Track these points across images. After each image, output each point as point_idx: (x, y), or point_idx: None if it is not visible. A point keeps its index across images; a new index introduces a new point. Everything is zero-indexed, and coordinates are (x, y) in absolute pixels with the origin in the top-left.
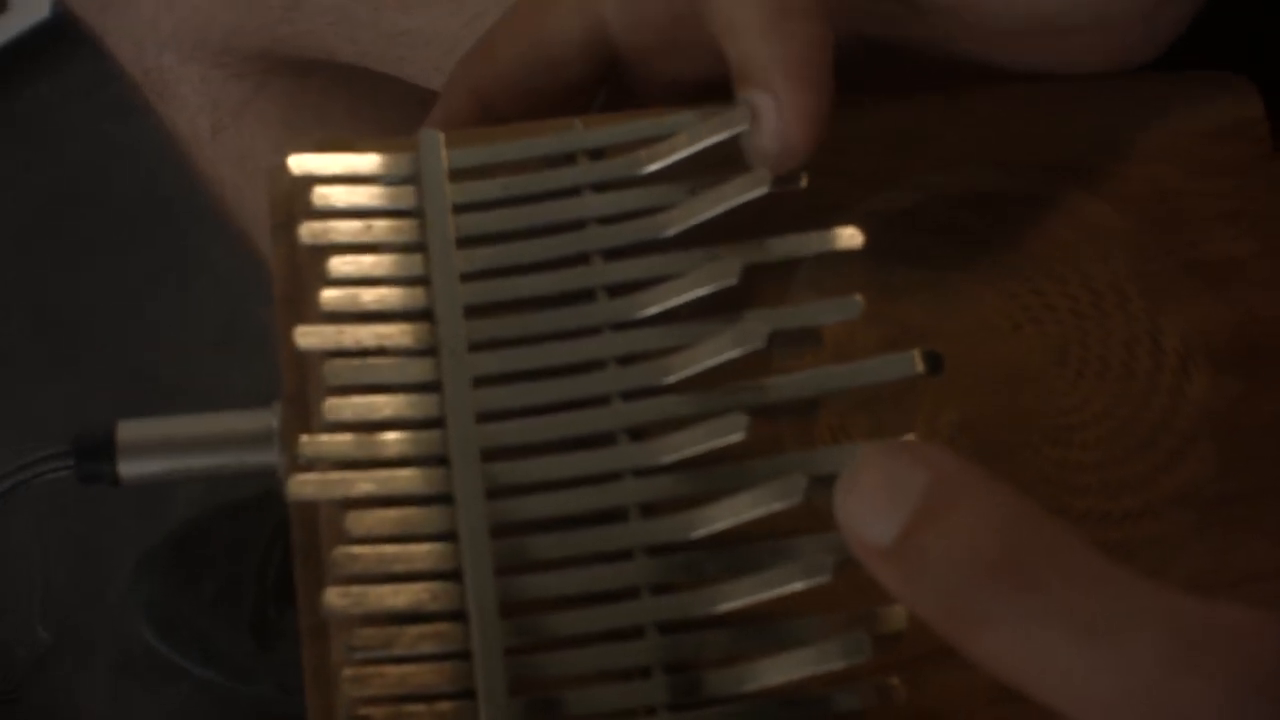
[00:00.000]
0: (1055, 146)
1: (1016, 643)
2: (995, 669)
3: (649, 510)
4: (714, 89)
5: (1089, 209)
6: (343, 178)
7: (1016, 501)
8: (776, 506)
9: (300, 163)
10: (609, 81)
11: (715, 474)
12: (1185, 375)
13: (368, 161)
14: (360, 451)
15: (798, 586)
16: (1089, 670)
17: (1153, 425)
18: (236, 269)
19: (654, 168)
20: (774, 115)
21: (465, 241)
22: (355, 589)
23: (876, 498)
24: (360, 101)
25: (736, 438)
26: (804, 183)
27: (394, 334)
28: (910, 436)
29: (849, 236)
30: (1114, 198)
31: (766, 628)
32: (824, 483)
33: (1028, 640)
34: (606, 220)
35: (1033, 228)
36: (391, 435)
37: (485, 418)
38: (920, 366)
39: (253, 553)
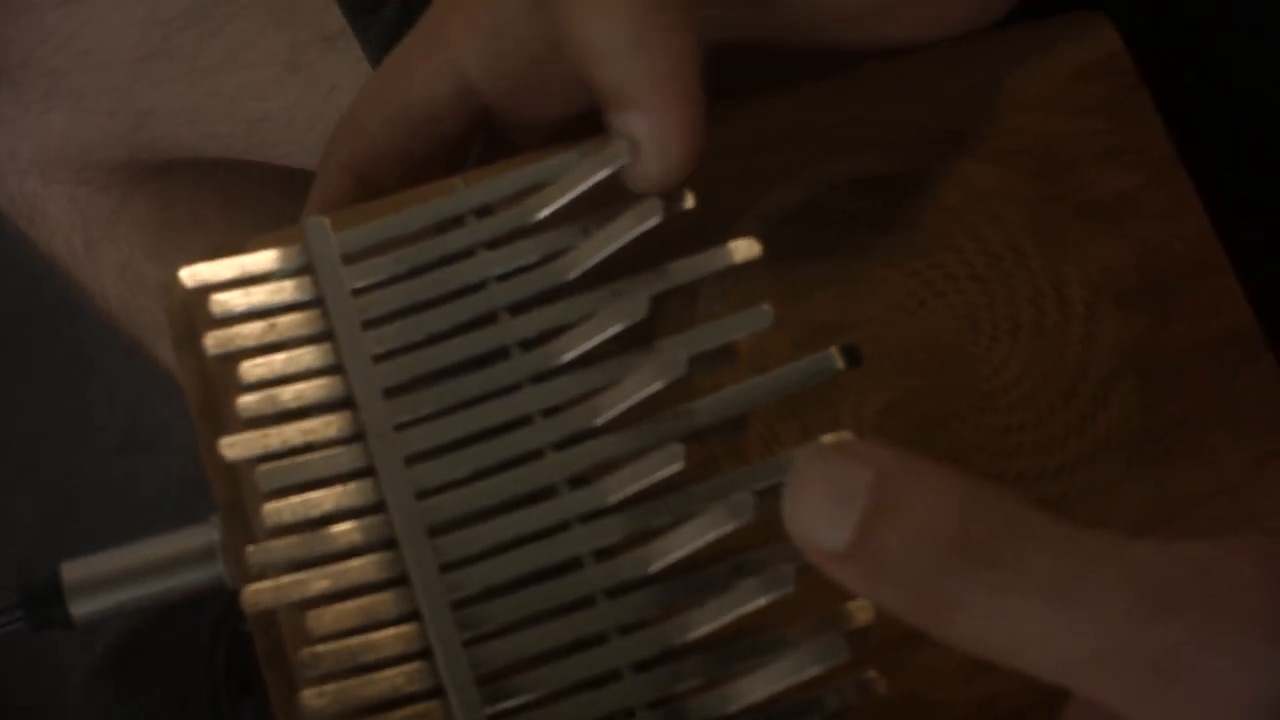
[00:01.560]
0: (929, 116)
1: (988, 620)
2: (971, 648)
3: (603, 554)
4: (587, 123)
5: (972, 172)
6: (237, 281)
7: (962, 482)
8: (728, 527)
9: (192, 274)
10: (482, 132)
11: (661, 506)
12: (1094, 319)
13: (259, 260)
14: (308, 550)
15: (762, 601)
16: (1064, 634)
17: (1072, 374)
18: (130, 371)
19: (543, 215)
20: (651, 133)
21: (371, 323)
22: (329, 687)
23: (823, 504)
24: (231, 192)
25: (675, 468)
26: (691, 203)
27: (318, 428)
28: (845, 433)
29: (747, 247)
30: (994, 156)
31: (740, 646)
32: (769, 495)
33: (999, 616)
34: (506, 276)
35: (921, 202)
36: (336, 528)
37: (424, 494)
38: (840, 363)
39: (196, 650)
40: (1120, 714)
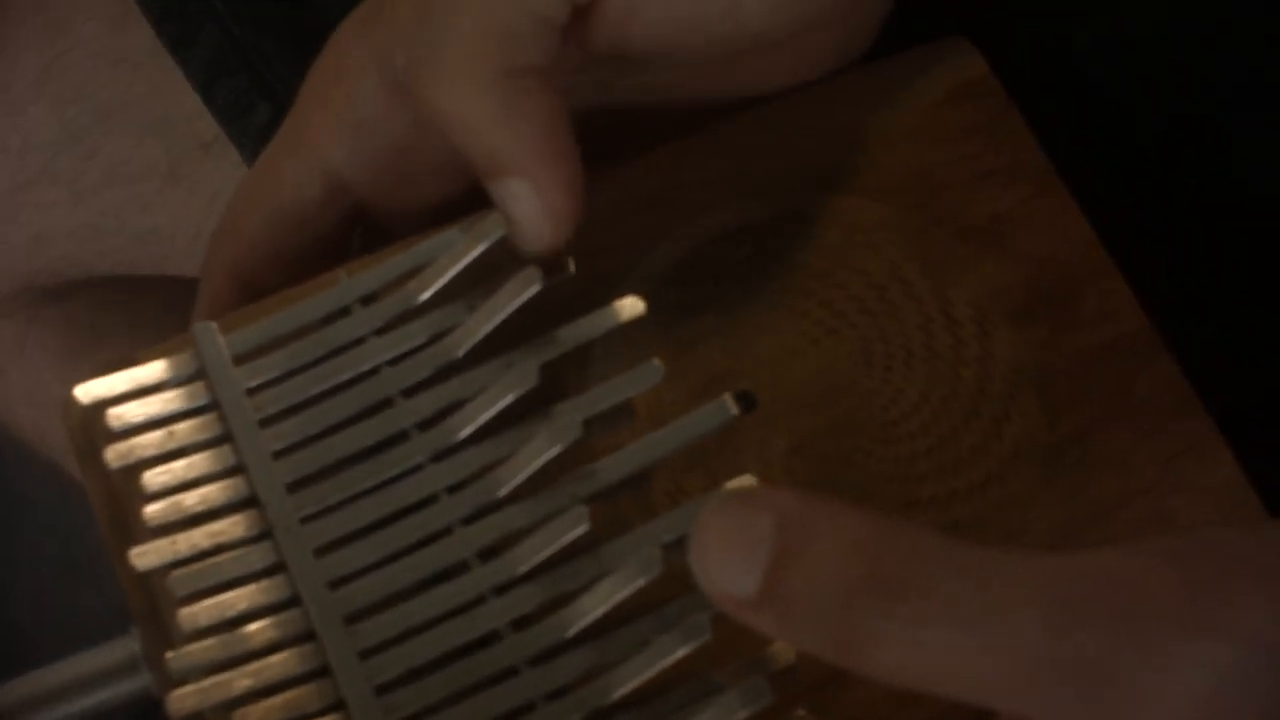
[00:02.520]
0: (801, 158)
1: (906, 652)
2: (894, 680)
3: (520, 623)
4: (460, 204)
5: (850, 207)
6: (132, 393)
7: (866, 517)
8: (640, 583)
9: (87, 390)
10: (360, 221)
11: (572, 569)
12: (986, 338)
13: (151, 371)
14: (228, 651)
15: (682, 652)
16: (982, 657)
17: (971, 395)
18: (59, 497)
19: (426, 296)
20: (532, 196)
21: (268, 420)
22: None
23: (729, 554)
24: (130, 307)
25: (581, 530)
26: (572, 268)
27: (226, 529)
28: (747, 477)
29: (631, 306)
30: (871, 189)
31: (665, 699)
32: (678, 546)
33: (917, 647)
34: (397, 360)
35: (802, 242)
36: (253, 626)
37: (337, 583)
38: (735, 409)
39: None
40: None
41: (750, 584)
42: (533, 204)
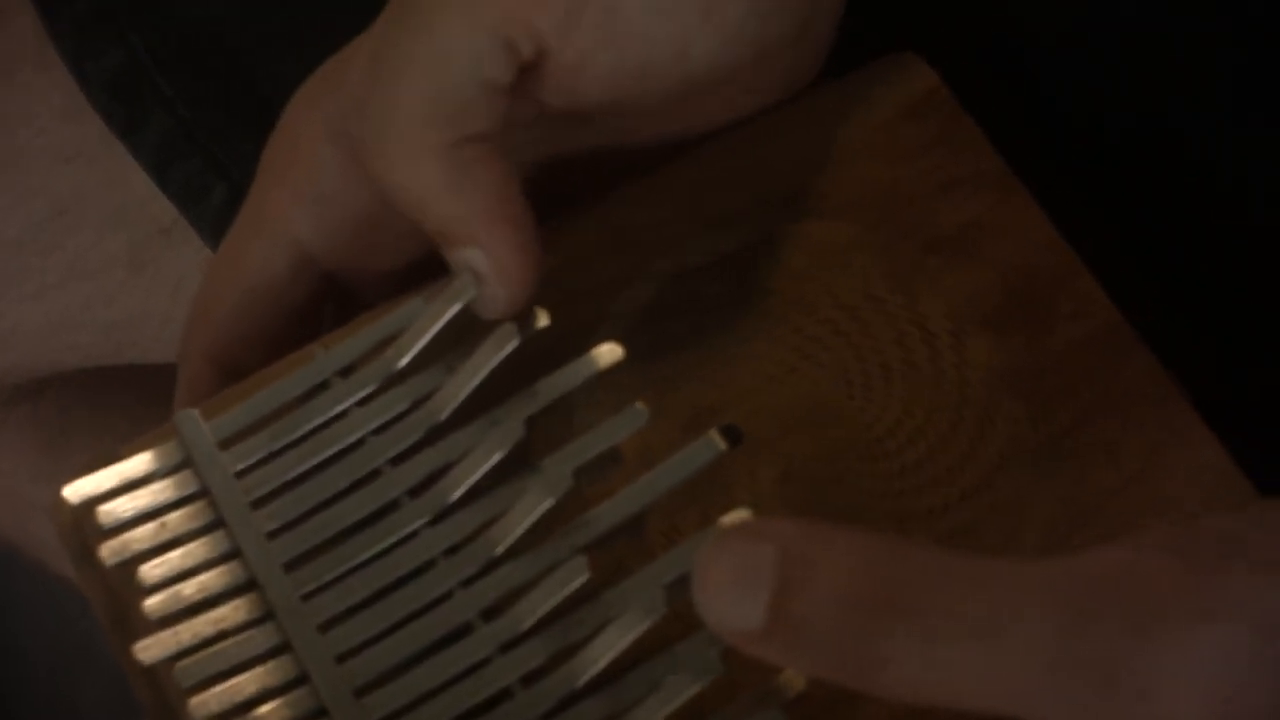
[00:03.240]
0: (762, 185)
1: (919, 670)
2: (908, 699)
3: (529, 679)
4: (431, 266)
5: (816, 230)
6: (120, 489)
7: (865, 540)
8: (645, 625)
9: (75, 490)
10: (330, 292)
11: (576, 619)
12: (963, 347)
13: (137, 464)
14: None
15: (695, 689)
16: (998, 667)
17: (954, 405)
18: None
19: (404, 362)
20: (487, 263)
21: (259, 502)
22: None
23: (732, 588)
24: (102, 401)
25: (582, 580)
26: (545, 321)
27: (227, 615)
28: (742, 510)
29: (609, 352)
30: (835, 210)
31: None
32: (679, 585)
33: (929, 664)
34: (381, 429)
35: (771, 270)
36: (265, 708)
37: (343, 657)
38: (722, 444)
39: None
40: None
41: (756, 617)
42: (488, 269)
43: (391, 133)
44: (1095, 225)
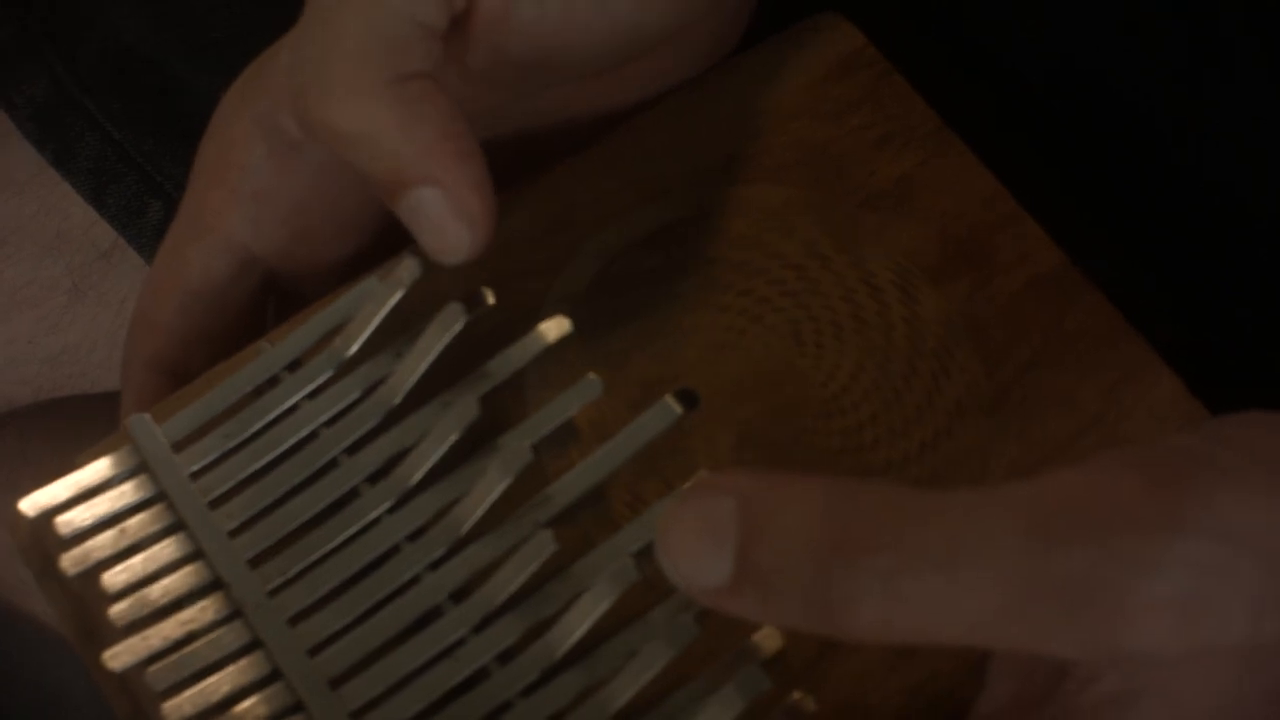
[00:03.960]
0: (697, 155)
1: (889, 607)
2: (882, 639)
3: (505, 657)
4: (370, 255)
5: (754, 194)
6: (77, 498)
7: (823, 483)
8: (616, 595)
9: (32, 503)
10: (272, 289)
11: (547, 594)
12: (911, 299)
13: (92, 473)
14: None
15: (673, 654)
16: (967, 596)
17: (906, 357)
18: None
19: (352, 351)
20: (445, 201)
21: (217, 501)
22: None
23: (697, 545)
24: (59, 430)
25: (549, 554)
26: (492, 300)
27: (195, 616)
28: (703, 473)
29: (557, 326)
30: (771, 173)
31: (664, 706)
32: (647, 552)
33: (898, 600)
34: (334, 420)
35: (713, 237)
36: (241, 707)
37: (316, 650)
38: (678, 409)
39: None
40: (1043, 654)
41: (723, 570)
42: (444, 209)
43: (332, 74)
44: (1036, 172)
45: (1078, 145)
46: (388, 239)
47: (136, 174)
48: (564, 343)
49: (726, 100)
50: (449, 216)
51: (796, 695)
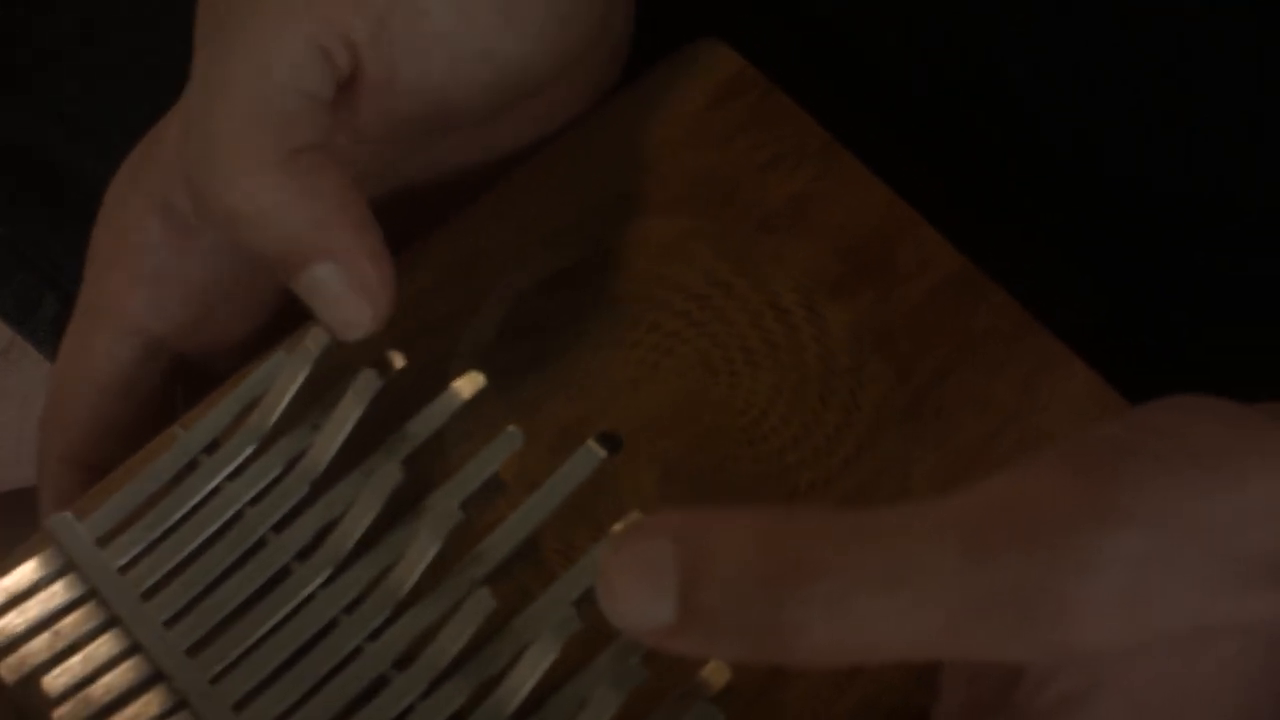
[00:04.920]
0: (588, 194)
1: (835, 630)
2: (831, 662)
3: (456, 717)
4: (276, 328)
5: (650, 228)
6: (5, 605)
7: (757, 515)
8: (560, 646)
9: None
10: (179, 373)
11: (491, 652)
12: (817, 317)
13: (18, 577)
14: None
15: (622, 699)
16: (912, 613)
17: (820, 375)
18: None
19: (270, 425)
20: (342, 276)
21: (149, 592)
22: None
23: (637, 589)
24: None
25: (489, 610)
26: (401, 362)
27: (140, 711)
28: (635, 514)
29: (471, 381)
30: (664, 206)
31: None
32: (587, 599)
33: (843, 622)
34: (257, 499)
35: (614, 275)
36: None
37: None
38: (602, 452)
39: None
40: (994, 661)
41: (665, 611)
42: (343, 284)
43: (220, 151)
44: (928, 179)
45: (965, 145)
46: (293, 309)
47: (29, 269)
48: (478, 396)
49: (613, 136)
50: (347, 291)
51: None
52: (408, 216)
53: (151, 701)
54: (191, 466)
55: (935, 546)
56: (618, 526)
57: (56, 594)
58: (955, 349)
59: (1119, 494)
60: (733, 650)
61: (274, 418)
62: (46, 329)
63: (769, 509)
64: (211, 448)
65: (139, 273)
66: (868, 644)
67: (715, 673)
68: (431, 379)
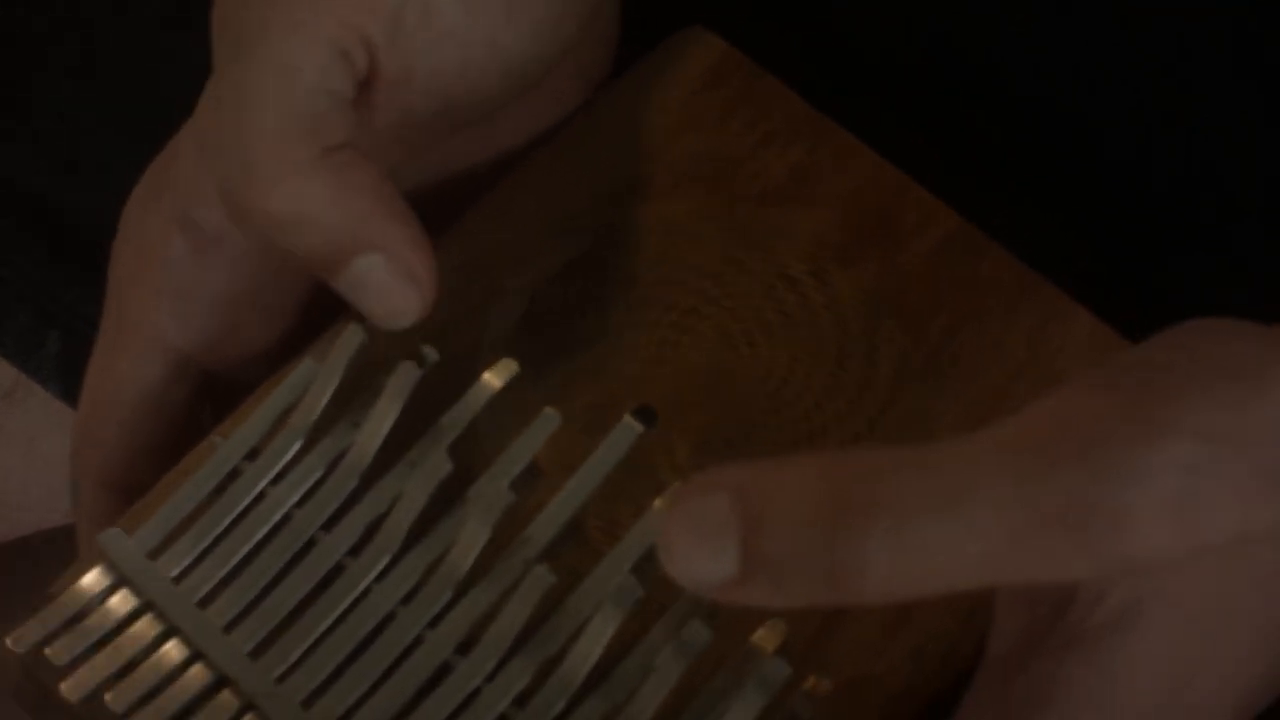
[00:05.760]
0: (594, 182)
1: (897, 562)
2: (893, 597)
3: (522, 699)
4: (302, 335)
5: (658, 211)
6: (63, 625)
7: (810, 460)
8: (623, 613)
9: (18, 639)
10: (209, 384)
11: (551, 629)
12: (827, 285)
13: (74, 598)
14: None
15: (687, 662)
16: (971, 537)
17: (835, 340)
18: None
19: (310, 426)
20: (385, 267)
21: (205, 600)
22: None
23: (700, 545)
24: None
25: (547, 586)
26: (435, 356)
27: (210, 716)
28: (677, 485)
29: (505, 368)
30: (670, 189)
31: (689, 710)
32: (645, 564)
33: (904, 553)
34: (303, 500)
35: (629, 258)
36: None
37: None
38: (639, 426)
39: None
40: (1052, 580)
41: (729, 564)
42: (389, 274)
43: (256, 158)
44: (922, 148)
45: (952, 113)
46: (315, 316)
47: (30, 308)
48: (509, 384)
49: (612, 125)
50: (394, 280)
51: (812, 679)
52: (420, 216)
53: (219, 706)
54: (233, 475)
55: (988, 472)
56: (659, 502)
57: (112, 609)
58: (963, 304)
59: (1162, 408)
60: (798, 595)
61: (314, 416)
62: (52, 366)
63: (819, 454)
64: (252, 455)
65: (163, 288)
66: (930, 573)
67: (773, 631)
68: (461, 374)
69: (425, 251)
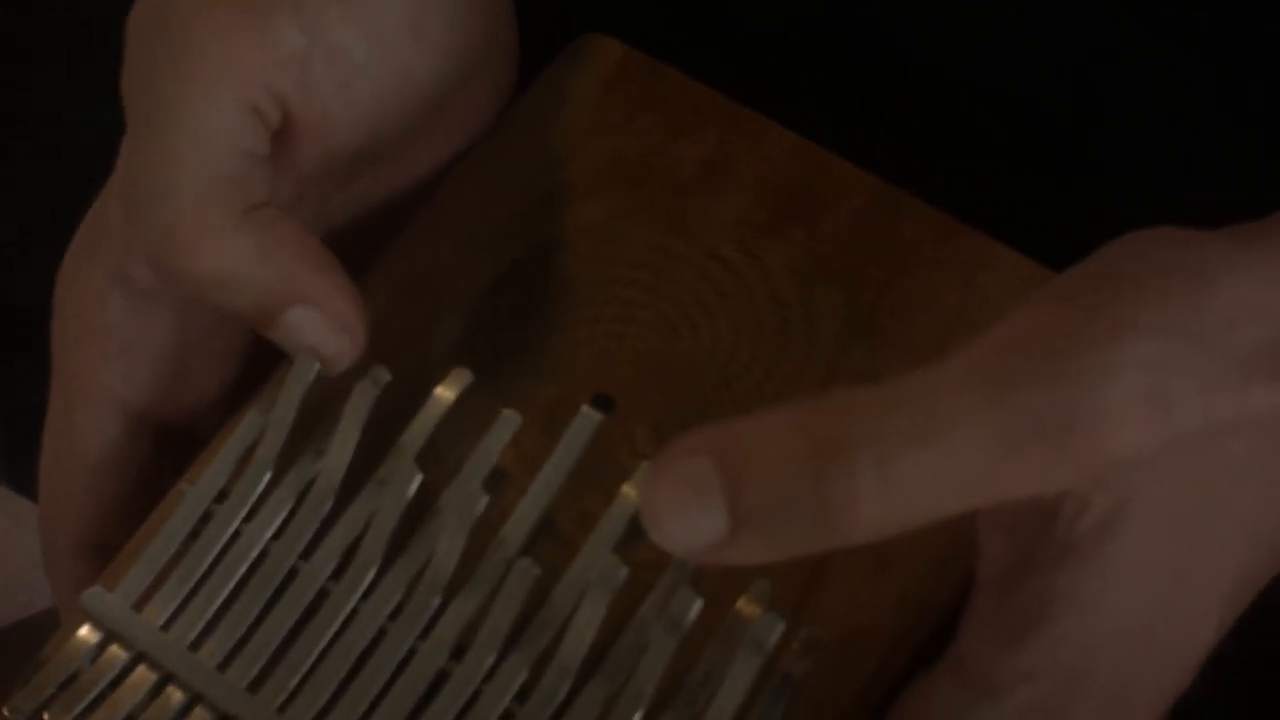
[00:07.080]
0: (515, 194)
1: (885, 495)
2: (884, 532)
3: (524, 694)
4: (255, 375)
5: (581, 215)
6: (59, 689)
7: (783, 410)
8: (611, 594)
9: (15, 705)
10: (168, 435)
11: (540, 624)
12: (758, 260)
13: (66, 658)
14: None
15: (682, 633)
16: (953, 461)
17: (775, 312)
18: None
19: (273, 458)
20: (316, 318)
21: (195, 642)
22: None
23: (686, 508)
24: None
25: (532, 578)
26: (387, 375)
27: None
28: (645, 464)
29: (459, 378)
30: (589, 191)
31: (689, 683)
32: (631, 540)
33: (891, 486)
34: (279, 533)
35: (561, 262)
36: None
37: None
38: (597, 414)
39: None
40: (1037, 492)
41: (717, 522)
42: (321, 325)
43: (178, 224)
44: (838, 124)
45: (858, 87)
46: (269, 349)
47: None
48: (464, 393)
49: (524, 136)
50: (327, 329)
51: (804, 632)
52: (346, 251)
53: None
54: (206, 518)
55: (960, 395)
56: (627, 485)
57: (105, 665)
58: (891, 262)
59: (1119, 311)
60: (789, 544)
61: (277, 448)
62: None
63: (790, 404)
64: (220, 497)
65: (107, 348)
66: (916, 503)
67: (758, 591)
68: (415, 390)
69: (354, 299)
